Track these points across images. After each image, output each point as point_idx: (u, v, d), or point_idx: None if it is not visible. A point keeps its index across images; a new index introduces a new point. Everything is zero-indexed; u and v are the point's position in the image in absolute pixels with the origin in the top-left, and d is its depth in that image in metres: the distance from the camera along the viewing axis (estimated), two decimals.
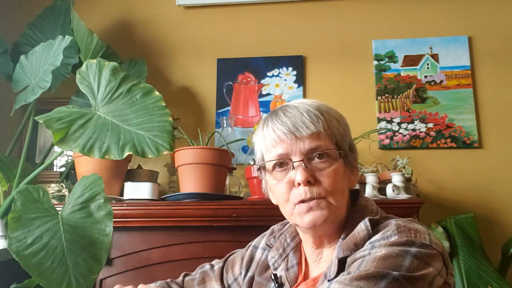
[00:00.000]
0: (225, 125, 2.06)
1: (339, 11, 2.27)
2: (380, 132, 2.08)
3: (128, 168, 1.86)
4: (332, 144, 0.89)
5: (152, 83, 1.62)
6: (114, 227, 1.42)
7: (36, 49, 1.83)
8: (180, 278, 1.13)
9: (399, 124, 2.09)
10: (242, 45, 2.27)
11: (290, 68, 2.22)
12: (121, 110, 1.50)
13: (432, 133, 2.07)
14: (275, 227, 1.08)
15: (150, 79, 2.08)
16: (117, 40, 2.29)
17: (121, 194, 1.77)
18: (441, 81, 2.13)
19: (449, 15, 2.20)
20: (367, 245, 0.80)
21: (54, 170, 2.19)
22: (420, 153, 2.06)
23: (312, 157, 0.88)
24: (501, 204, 1.98)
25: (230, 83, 2.23)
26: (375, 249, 0.77)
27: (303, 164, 0.87)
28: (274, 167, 0.91)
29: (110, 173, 1.73)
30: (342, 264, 0.81)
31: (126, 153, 1.36)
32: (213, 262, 1.14)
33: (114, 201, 1.67)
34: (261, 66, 2.24)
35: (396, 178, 1.69)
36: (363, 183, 1.73)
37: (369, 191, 1.68)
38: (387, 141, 2.08)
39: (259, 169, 0.96)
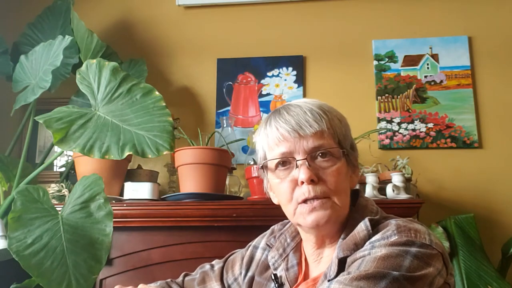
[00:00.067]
0: (225, 125, 2.06)
1: (339, 11, 2.27)
2: (380, 132, 2.08)
3: (128, 168, 1.86)
4: (335, 143, 0.89)
5: (152, 83, 1.62)
6: (114, 227, 1.42)
7: (36, 49, 1.83)
8: (180, 278, 1.13)
9: (399, 124, 2.09)
10: (242, 45, 2.27)
11: (290, 68, 2.22)
12: (121, 110, 1.50)
13: (432, 133, 2.07)
14: (275, 227, 1.08)
15: (150, 79, 2.08)
16: (117, 40, 2.29)
17: (121, 194, 1.77)
18: (441, 81, 2.13)
19: (449, 15, 2.20)
20: (367, 245, 0.80)
21: (54, 170, 2.19)
22: (420, 153, 2.06)
23: (315, 155, 0.88)
24: (501, 204, 1.98)
25: (230, 83, 2.23)
26: (375, 249, 0.77)
27: (306, 163, 0.87)
28: (277, 165, 0.91)
29: (110, 173, 1.73)
30: (342, 264, 0.81)
31: (126, 153, 1.36)
32: (213, 262, 1.14)
33: (114, 201, 1.67)
34: (261, 66, 2.24)
35: (396, 178, 1.69)
36: (363, 183, 1.73)
37: (369, 191, 1.68)
38: (387, 141, 2.08)
39: (261, 168, 0.95)
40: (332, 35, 2.24)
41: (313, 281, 0.90)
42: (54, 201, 1.63)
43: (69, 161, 2.02)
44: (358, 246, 0.82)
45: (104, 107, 1.51)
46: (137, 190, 1.72)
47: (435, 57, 2.16)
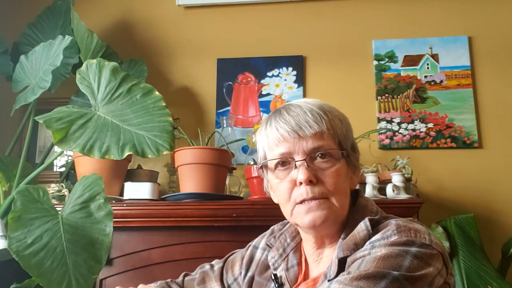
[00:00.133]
0: (225, 125, 2.06)
1: (339, 11, 2.27)
2: (380, 132, 2.08)
3: (128, 168, 1.86)
4: (335, 144, 0.89)
5: (152, 83, 1.62)
6: (114, 227, 1.42)
7: (36, 49, 1.83)
8: (180, 278, 1.13)
9: (399, 124, 2.09)
10: (242, 45, 2.27)
11: (290, 68, 2.22)
12: (121, 110, 1.50)
13: (432, 133, 2.07)
14: (275, 227, 1.08)
15: (150, 79, 2.08)
16: (117, 40, 2.29)
17: (121, 194, 1.77)
18: (441, 81, 2.13)
19: (449, 15, 2.20)
20: (367, 245, 0.80)
21: (54, 170, 2.19)
22: (420, 153, 2.06)
23: (314, 156, 0.88)
24: (501, 204, 1.98)
25: (230, 83, 2.23)
26: (375, 249, 0.77)
27: (305, 164, 0.87)
28: (276, 165, 0.91)
29: (110, 173, 1.73)
30: (342, 264, 0.81)
31: (126, 153, 1.36)
32: (213, 262, 1.14)
33: (114, 201, 1.67)
34: (261, 66, 2.24)
35: (396, 178, 1.69)
36: (363, 183, 1.73)
37: (369, 191, 1.68)
38: (387, 141, 2.08)
39: (261, 167, 0.95)
40: (332, 35, 2.24)
41: (313, 281, 0.90)
42: (54, 201, 1.63)
43: (69, 161, 2.02)
44: (358, 246, 0.82)
45: (104, 107, 1.51)
46: (137, 190, 1.72)
47: (435, 57, 2.16)
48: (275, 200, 0.97)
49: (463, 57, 2.14)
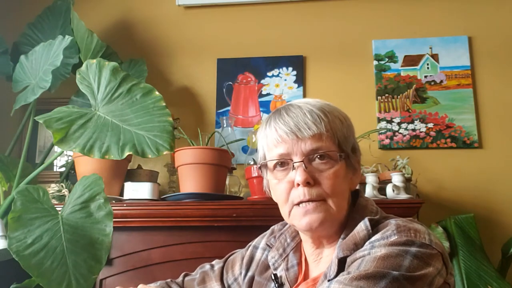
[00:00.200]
0: (225, 125, 2.06)
1: (339, 11, 2.27)
2: (380, 132, 2.08)
3: (128, 168, 1.86)
4: (334, 146, 0.89)
5: (152, 83, 1.62)
6: (114, 227, 1.42)
7: (36, 49, 1.83)
8: (180, 278, 1.13)
9: (399, 124, 2.09)
10: (242, 45, 2.27)
11: (290, 68, 2.22)
12: (121, 110, 1.50)
13: (432, 133, 2.07)
14: (275, 227, 1.08)
15: (150, 79, 2.08)
16: (117, 40, 2.29)
17: (121, 194, 1.77)
18: (441, 81, 2.13)
19: (449, 15, 2.20)
20: (367, 245, 0.80)
21: (54, 170, 2.19)
22: (420, 153, 2.06)
23: (313, 158, 0.88)
24: (501, 204, 1.98)
25: (230, 83, 2.23)
26: (375, 249, 0.77)
27: (303, 165, 0.87)
28: (275, 166, 0.91)
29: (110, 173, 1.73)
30: (342, 264, 0.81)
31: (126, 153, 1.36)
32: (213, 262, 1.14)
33: (114, 201, 1.67)
34: (261, 66, 2.24)
35: (396, 178, 1.69)
36: (363, 183, 1.73)
37: (369, 191, 1.68)
38: (387, 141, 2.08)
39: (260, 167, 0.96)
40: (332, 35, 2.24)
41: (313, 281, 0.90)
42: (54, 201, 1.63)
43: (69, 161, 2.02)
44: (358, 246, 0.82)
45: (104, 107, 1.51)
46: (137, 190, 1.72)
47: (435, 57, 2.16)
48: (275, 199, 0.97)
49: (463, 57, 2.14)
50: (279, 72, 2.22)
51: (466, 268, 1.65)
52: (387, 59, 2.17)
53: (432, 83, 2.13)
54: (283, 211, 0.92)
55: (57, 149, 2.04)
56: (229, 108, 2.21)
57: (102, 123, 1.45)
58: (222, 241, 1.66)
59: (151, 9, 2.36)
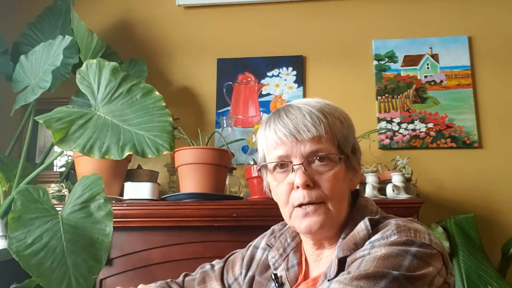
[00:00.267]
0: (225, 125, 2.06)
1: (339, 11, 2.27)
2: (380, 132, 2.08)
3: (128, 168, 1.86)
4: (333, 148, 0.88)
5: (152, 83, 1.62)
6: (114, 227, 1.42)
7: (36, 49, 1.83)
8: (180, 278, 1.13)
9: (399, 124, 2.09)
10: (242, 45, 2.27)
11: (290, 68, 2.22)
12: (121, 110, 1.50)
13: (432, 133, 2.07)
14: (276, 227, 1.08)
15: (150, 79, 2.08)
16: (117, 40, 2.29)
17: (121, 194, 1.77)
18: (441, 81, 2.13)
19: (449, 15, 2.20)
20: (367, 244, 0.80)
21: (54, 170, 2.19)
22: (420, 153, 2.06)
23: (312, 160, 0.87)
24: (501, 204, 1.98)
25: (230, 83, 2.23)
26: (375, 249, 0.77)
27: (302, 168, 0.87)
28: (274, 168, 0.91)
29: (110, 173, 1.73)
30: (342, 264, 0.81)
31: (126, 153, 1.36)
32: (213, 262, 1.14)
33: (114, 201, 1.67)
34: (261, 66, 2.24)
35: (396, 178, 1.69)
36: (363, 183, 1.73)
37: (369, 191, 1.68)
38: (387, 141, 2.08)
39: (260, 168, 0.96)
40: (332, 35, 2.24)
41: (313, 281, 0.90)
42: (54, 201, 1.63)
43: (69, 161, 2.02)
44: (358, 245, 0.82)
45: (104, 107, 1.51)
46: (137, 190, 1.72)
47: (435, 57, 2.16)
48: (276, 200, 0.97)
49: (463, 57, 2.14)
50: (279, 72, 2.22)
51: (466, 268, 1.65)
52: (387, 59, 2.17)
53: (432, 83, 2.13)
54: (284, 212, 0.92)
55: (57, 149, 2.04)
56: (229, 108, 2.21)
57: (102, 123, 1.45)
58: (222, 241, 1.66)
59: (151, 9, 2.36)
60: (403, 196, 1.66)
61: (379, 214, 0.90)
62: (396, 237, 0.78)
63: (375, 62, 2.18)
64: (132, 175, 1.86)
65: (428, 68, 2.15)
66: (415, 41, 2.18)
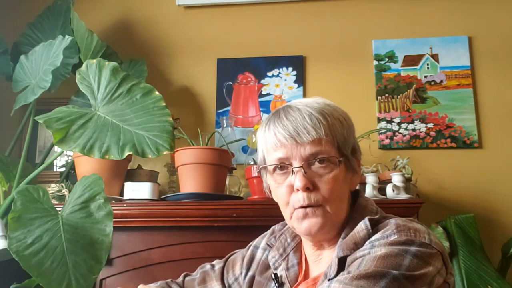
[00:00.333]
0: (225, 125, 2.06)
1: (339, 11, 2.27)
2: (380, 132, 2.08)
3: (128, 168, 1.86)
4: (333, 150, 0.88)
5: (152, 83, 1.62)
6: (114, 227, 1.42)
7: (36, 49, 1.83)
8: (181, 278, 1.13)
9: (399, 124, 2.09)
10: (242, 45, 2.27)
11: (290, 68, 2.22)
12: (121, 110, 1.50)
13: (432, 133, 2.07)
14: (276, 227, 1.08)
15: (150, 79, 2.08)
16: (117, 40, 2.29)
17: (121, 194, 1.77)
18: (441, 81, 2.13)
19: (449, 15, 2.20)
20: (367, 244, 0.80)
21: (54, 170, 2.19)
22: (420, 153, 2.06)
23: (312, 162, 0.87)
24: (501, 204, 1.98)
25: (230, 83, 2.23)
26: (375, 248, 0.77)
27: (302, 170, 0.87)
28: (274, 169, 0.91)
29: (110, 173, 1.73)
30: (342, 264, 0.81)
31: (126, 153, 1.36)
32: (213, 262, 1.14)
33: (114, 201, 1.67)
34: (261, 66, 2.24)
35: (396, 178, 1.69)
36: (363, 183, 1.73)
37: (369, 191, 1.68)
38: (387, 141, 2.08)
39: (260, 170, 0.96)
40: (332, 35, 2.24)
41: (313, 280, 0.90)
42: (54, 201, 1.63)
43: (69, 161, 2.02)
44: (358, 245, 0.82)
45: (104, 107, 1.51)
46: (137, 190, 1.72)
47: (435, 57, 2.16)
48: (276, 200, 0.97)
49: (463, 57, 2.14)
50: (279, 72, 2.22)
51: (466, 268, 1.65)
52: (387, 59, 2.17)
53: (432, 83, 2.13)
54: (285, 213, 0.92)
55: (57, 149, 2.04)
56: (229, 108, 2.21)
57: (102, 123, 1.45)
58: (222, 241, 1.66)
59: (151, 9, 2.36)
60: (403, 196, 1.66)
61: (379, 214, 0.90)
62: (396, 236, 0.78)
63: (375, 62, 2.18)
64: (132, 175, 1.86)
65: (428, 68, 2.15)
66: (415, 41, 2.18)
